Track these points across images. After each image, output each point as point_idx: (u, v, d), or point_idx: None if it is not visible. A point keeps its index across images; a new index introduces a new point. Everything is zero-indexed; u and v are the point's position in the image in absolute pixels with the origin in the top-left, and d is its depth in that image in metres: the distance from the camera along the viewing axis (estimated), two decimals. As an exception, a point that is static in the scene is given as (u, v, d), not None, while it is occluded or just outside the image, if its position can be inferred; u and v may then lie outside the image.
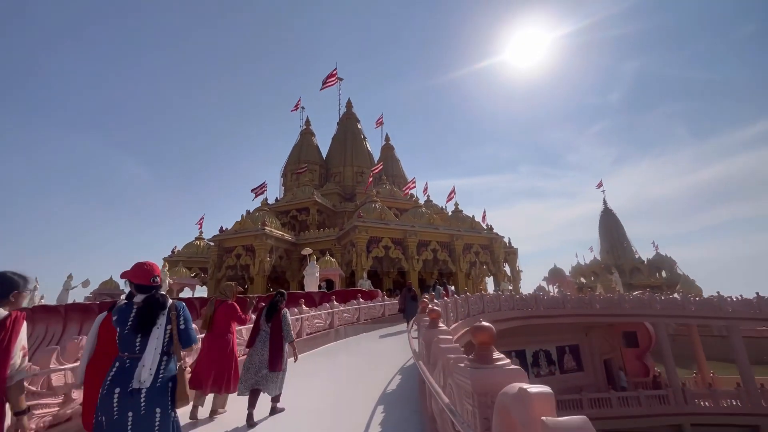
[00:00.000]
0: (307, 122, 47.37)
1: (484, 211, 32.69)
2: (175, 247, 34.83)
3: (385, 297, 14.55)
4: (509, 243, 35.16)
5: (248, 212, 29.11)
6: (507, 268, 33.04)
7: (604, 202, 73.53)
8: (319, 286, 19.84)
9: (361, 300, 12.74)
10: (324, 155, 46.88)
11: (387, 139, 50.68)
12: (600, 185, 71.41)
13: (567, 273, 65.30)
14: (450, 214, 31.75)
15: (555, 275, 28.34)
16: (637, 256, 64.13)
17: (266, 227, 25.78)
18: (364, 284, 22.37)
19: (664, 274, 63.23)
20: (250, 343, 4.40)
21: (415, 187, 32.22)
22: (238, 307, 4.42)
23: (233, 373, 4.13)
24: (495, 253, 29.25)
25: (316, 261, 20.05)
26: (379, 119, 52.66)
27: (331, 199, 37.68)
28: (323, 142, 49.60)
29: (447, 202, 32.04)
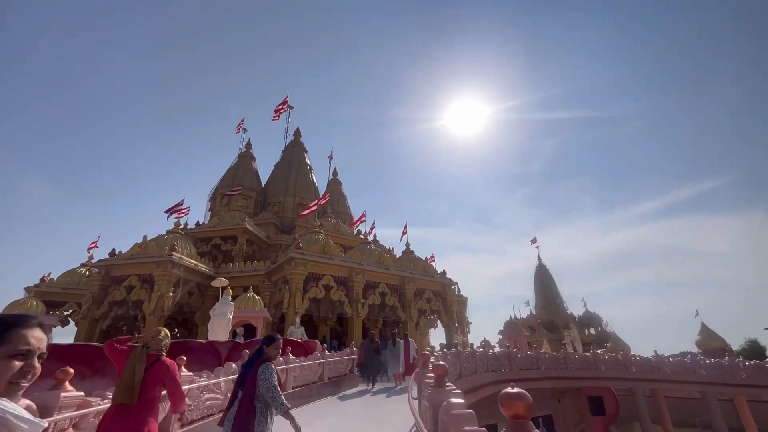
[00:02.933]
0: (248, 145, 42.97)
1: (433, 255, 30.26)
2: (49, 274, 26.70)
3: (325, 352, 10.39)
4: (458, 291, 32.72)
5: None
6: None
7: (539, 258, 76.65)
8: (234, 333, 14.85)
9: (290, 356, 8.55)
10: (263, 183, 42.23)
11: (335, 173, 47.90)
12: (534, 241, 74.75)
13: (501, 328, 64.40)
14: (401, 255, 28.67)
15: (511, 328, 25.93)
16: (569, 312, 66.15)
17: (175, 253, 20.23)
18: (296, 332, 17.73)
19: (592, 331, 65.79)
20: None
21: (364, 221, 28.97)
22: (177, 368, 2.96)
23: None
24: (448, 300, 26.31)
25: (236, 299, 15.21)
26: (330, 155, 50.18)
27: (265, 230, 32.74)
28: (264, 170, 45.22)
29: (401, 239, 29.05)
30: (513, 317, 70.27)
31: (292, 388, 8.53)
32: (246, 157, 41.24)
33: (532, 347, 27.89)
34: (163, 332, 3.20)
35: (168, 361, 3.02)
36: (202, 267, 22.32)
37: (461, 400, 2.49)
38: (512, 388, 1.49)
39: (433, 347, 14.73)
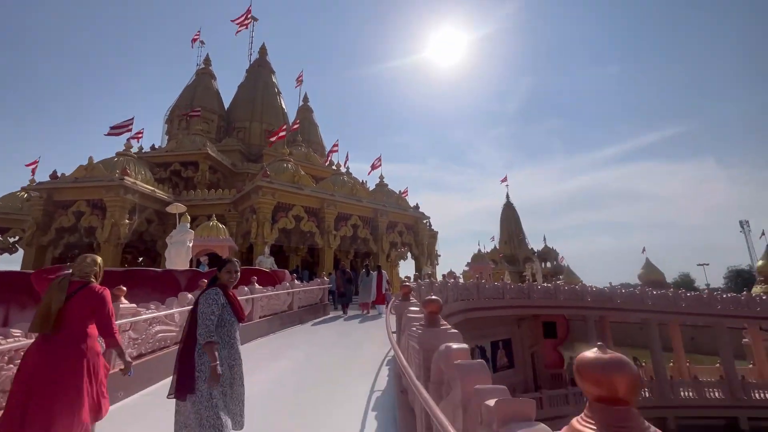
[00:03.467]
0: (207, 61, 38.27)
1: (406, 189, 29.78)
2: (-18, 197, 24.11)
3: (295, 281, 9.98)
4: (429, 226, 33.13)
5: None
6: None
7: (507, 196, 78.85)
8: (198, 262, 14.15)
9: (256, 286, 8.04)
10: (227, 107, 38.59)
11: (306, 99, 44.57)
12: (504, 180, 75.78)
13: (469, 261, 67.74)
14: (375, 187, 27.96)
15: (478, 260, 26.92)
16: (530, 247, 70.36)
17: (127, 178, 18.41)
18: (265, 262, 17.27)
19: (548, 264, 71.04)
20: None
21: (336, 150, 27.55)
22: (109, 295, 2.82)
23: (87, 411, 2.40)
24: (420, 234, 26.54)
25: (199, 227, 14.23)
26: (299, 76, 45.83)
27: (230, 158, 30.57)
28: (226, 91, 41.08)
29: (371, 171, 28.12)
30: (479, 251, 74.19)
31: (260, 318, 8.15)
32: (205, 75, 36.96)
33: (497, 278, 29.51)
34: (90, 258, 2.99)
35: (96, 287, 2.81)
36: (161, 194, 20.68)
37: (464, 346, 1.94)
38: (601, 349, 0.84)
39: (408, 277, 14.97)
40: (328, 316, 11.45)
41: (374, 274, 12.43)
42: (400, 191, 27.29)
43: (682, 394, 16.33)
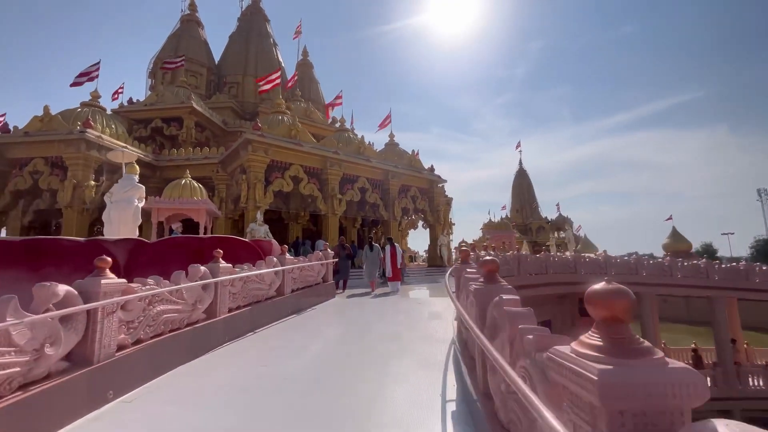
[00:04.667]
0: (192, 6, 33.84)
1: (417, 151, 26.38)
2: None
3: (286, 255, 7.12)
4: (444, 191, 30.03)
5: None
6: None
7: (520, 163, 74.90)
8: (170, 230, 11.36)
9: (222, 263, 5.19)
10: (216, 59, 34.62)
11: (305, 53, 40.22)
12: (518, 146, 71.74)
13: (480, 229, 64.84)
14: (384, 147, 24.65)
15: (500, 228, 23.98)
16: (544, 216, 67.27)
17: (90, 131, 15.33)
18: (258, 230, 14.56)
19: (562, 234, 68.21)
20: None
21: (341, 103, 23.99)
22: None
23: None
24: (435, 199, 23.54)
25: (169, 186, 11.32)
26: (297, 27, 41.22)
27: (222, 115, 27.24)
28: (216, 42, 37.06)
29: (379, 129, 24.68)
30: (490, 220, 71.29)
31: (229, 311, 5.37)
32: (191, 22, 32.74)
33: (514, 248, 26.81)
34: None
35: None
36: (134, 151, 17.62)
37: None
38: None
39: (465, 241, 12.81)
40: (333, 299, 8.73)
41: (377, 247, 11.62)
42: (413, 151, 24.00)
43: (751, 383, 13.87)
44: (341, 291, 11.16)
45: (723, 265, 15.17)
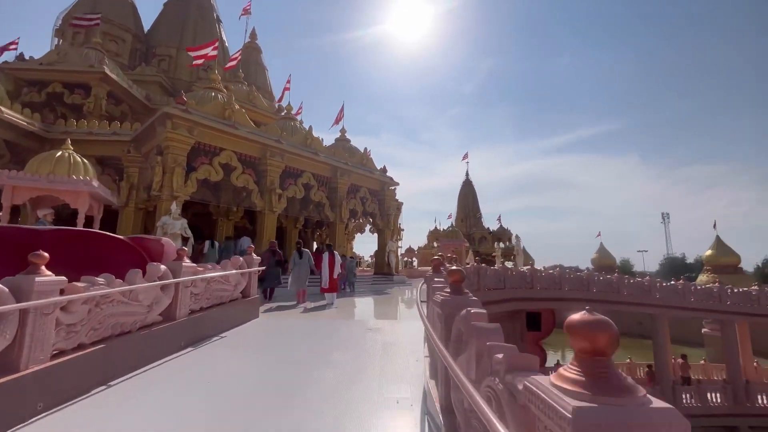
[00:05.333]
0: (120, -38, 29.13)
1: (369, 151, 24.83)
2: None
3: (185, 260, 4.97)
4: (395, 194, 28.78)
5: None
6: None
7: (467, 174, 77.08)
8: (36, 220, 8.41)
9: (44, 274, 3.00)
10: (147, 28, 30.21)
11: (253, 36, 36.85)
12: (465, 157, 73.69)
13: (428, 237, 64.77)
14: (334, 142, 22.70)
15: (451, 236, 23.17)
16: (487, 227, 69.58)
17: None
18: (173, 225, 12.04)
19: (502, 245, 71.00)
20: None
21: (288, 89, 21.69)
22: None
23: None
24: (386, 202, 22.09)
25: (36, 159, 8.38)
26: (246, 6, 37.83)
27: (146, 89, 23.37)
28: (147, 9, 32.42)
29: (333, 124, 22.71)
30: (435, 228, 71.90)
31: (54, 355, 3.22)
32: (115, -20, 28.07)
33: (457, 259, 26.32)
34: None
35: None
36: (11, 114, 13.78)
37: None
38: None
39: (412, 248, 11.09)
40: (255, 319, 6.67)
41: (307, 253, 10.68)
42: (365, 149, 22.36)
43: (759, 400, 14.10)
44: (267, 300, 10.20)
45: (735, 290, 15.45)
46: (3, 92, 14.48)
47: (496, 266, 14.10)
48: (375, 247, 22.73)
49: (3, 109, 13.31)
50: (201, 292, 5.30)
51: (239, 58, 25.02)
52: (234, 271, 6.14)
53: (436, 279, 4.27)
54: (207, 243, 13.42)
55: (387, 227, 21.84)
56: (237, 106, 15.75)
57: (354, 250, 38.22)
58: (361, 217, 23.52)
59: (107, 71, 18.79)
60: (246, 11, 36.90)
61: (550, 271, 13.44)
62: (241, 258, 6.39)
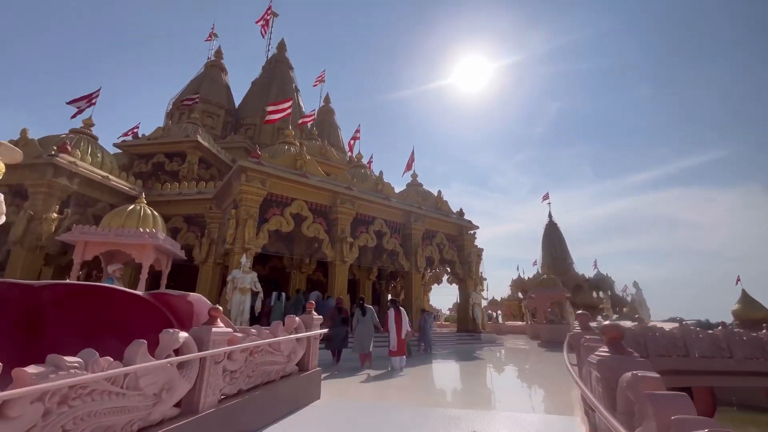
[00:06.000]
0: (218, 53, 34.35)
1: (441, 193, 23.14)
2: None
3: (219, 324, 3.65)
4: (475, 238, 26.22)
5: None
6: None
7: (550, 215, 70.50)
8: (106, 277, 8.20)
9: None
10: (237, 103, 34.29)
11: (327, 100, 39.69)
12: (546, 198, 67.99)
13: (508, 286, 58.66)
14: (406, 187, 21.73)
15: (549, 286, 19.65)
16: (581, 273, 61.18)
17: (64, 155, 13.14)
18: (243, 279, 11.47)
19: (600, 294, 61.14)
20: None
21: (359, 137, 21.72)
22: None
23: None
24: (466, 248, 19.85)
25: (109, 214, 8.40)
26: (320, 76, 41.50)
27: (234, 154, 25.51)
28: (239, 91, 37.15)
29: (405, 171, 21.96)
30: (519, 277, 65.34)
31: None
32: (214, 68, 32.87)
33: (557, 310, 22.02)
34: None
35: None
36: (117, 182, 15.28)
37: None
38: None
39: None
40: (315, 401, 5.02)
41: (371, 310, 9.48)
42: (438, 192, 20.89)
43: None
44: (335, 364, 9.19)
45: None
46: (115, 164, 16.35)
47: (607, 322, 10.74)
48: (453, 299, 20.21)
49: (111, 177, 14.81)
50: (240, 368, 3.89)
51: (314, 116, 26.40)
52: (288, 336, 4.70)
53: (587, 338, 3.78)
54: (273, 295, 12.58)
55: (468, 276, 19.34)
56: (308, 157, 15.71)
57: (431, 302, 35.49)
58: (438, 266, 21.41)
59: (200, 139, 20.76)
60: (320, 80, 40.39)
61: (710, 332, 9.69)
62: (297, 318, 4.97)
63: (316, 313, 5.42)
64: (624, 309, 51.02)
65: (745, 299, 38.85)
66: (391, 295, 24.67)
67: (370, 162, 28.41)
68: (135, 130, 24.41)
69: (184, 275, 15.94)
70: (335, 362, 9.27)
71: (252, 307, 11.78)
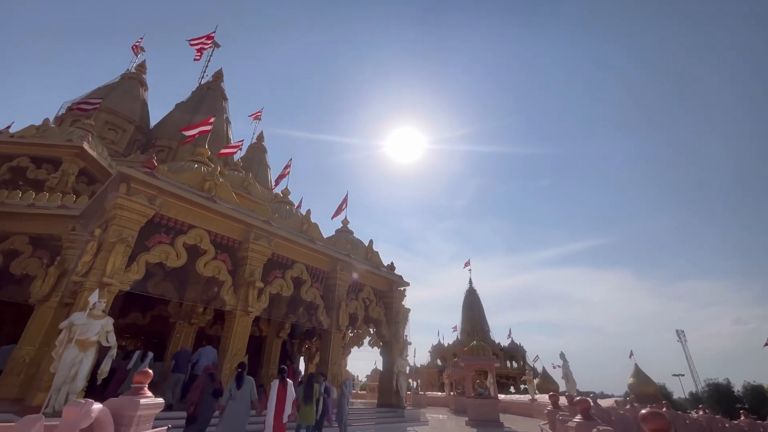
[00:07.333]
0: (141, 67, 30.79)
1: (371, 241, 21.49)
2: None
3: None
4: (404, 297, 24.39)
5: None
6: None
7: (470, 281, 72.89)
8: None
9: None
10: (153, 122, 30.28)
11: (260, 138, 37.58)
12: (467, 264, 70.81)
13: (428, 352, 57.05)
14: (335, 233, 19.64)
15: (476, 354, 18.14)
16: (497, 342, 62.16)
17: None
18: (89, 327, 8.18)
19: (514, 363, 62.23)
20: None
21: (288, 174, 19.55)
22: None
23: None
24: (394, 307, 17.87)
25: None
26: (257, 113, 39.66)
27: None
28: (159, 112, 33.19)
29: (334, 216, 20.03)
30: (439, 342, 64.06)
31: None
32: (132, 80, 29.06)
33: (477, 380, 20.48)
34: None
35: None
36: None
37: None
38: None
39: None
40: None
41: (250, 381, 6.84)
42: (369, 241, 19.16)
43: None
44: None
45: None
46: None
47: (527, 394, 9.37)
48: (370, 365, 17.62)
49: None
50: None
51: (240, 147, 23.85)
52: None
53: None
54: (135, 355, 9.03)
55: (395, 339, 17.15)
56: (222, 180, 13.07)
57: (347, 368, 31.78)
58: (362, 325, 18.95)
59: (86, 147, 16.78)
60: (257, 117, 38.40)
61: (735, 421, 8.70)
62: (95, 404, 2.45)
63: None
64: (536, 380, 51.97)
65: (638, 374, 41.84)
66: (304, 358, 21.04)
67: (299, 206, 26.08)
68: (7, 129, 19.34)
69: (8, 319, 11.26)
70: None
71: (95, 371, 8.16)
